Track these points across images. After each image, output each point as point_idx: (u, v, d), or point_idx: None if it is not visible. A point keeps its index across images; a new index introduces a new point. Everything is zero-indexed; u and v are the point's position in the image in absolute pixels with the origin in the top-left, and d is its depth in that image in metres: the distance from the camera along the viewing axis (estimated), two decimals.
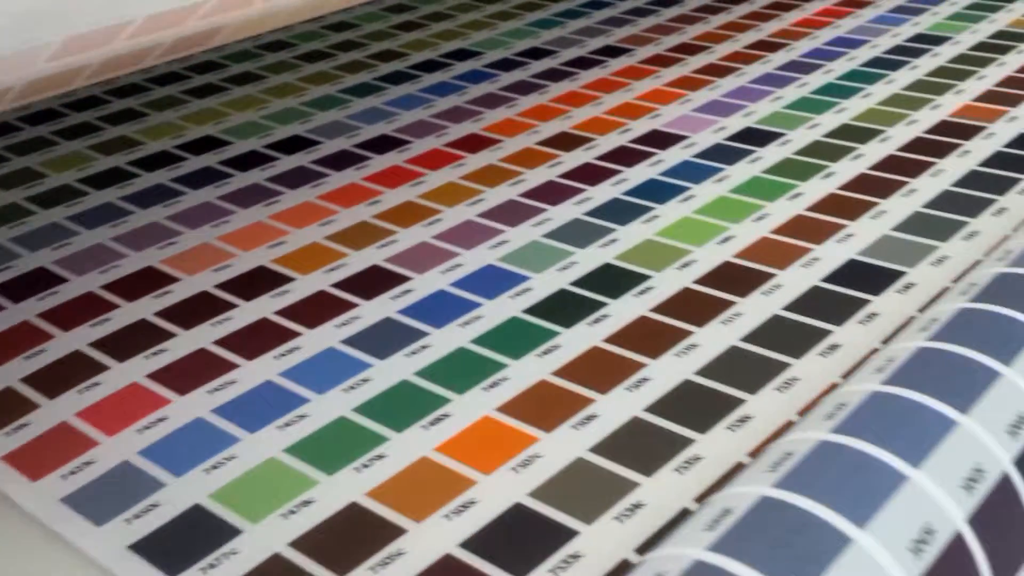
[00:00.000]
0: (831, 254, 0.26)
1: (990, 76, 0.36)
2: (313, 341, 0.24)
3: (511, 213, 0.29)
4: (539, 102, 0.36)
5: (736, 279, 0.25)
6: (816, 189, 0.29)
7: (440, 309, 0.25)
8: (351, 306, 0.25)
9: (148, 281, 0.26)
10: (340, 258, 0.27)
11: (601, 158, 0.32)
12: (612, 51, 0.40)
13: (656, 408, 0.21)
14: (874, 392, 0.17)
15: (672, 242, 0.27)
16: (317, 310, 0.25)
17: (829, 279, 0.25)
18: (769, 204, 0.29)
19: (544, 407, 0.21)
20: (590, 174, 0.31)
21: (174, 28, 0.21)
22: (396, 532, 0.18)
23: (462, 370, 0.22)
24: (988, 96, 0.34)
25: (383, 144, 0.33)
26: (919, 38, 0.39)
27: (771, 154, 0.31)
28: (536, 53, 0.40)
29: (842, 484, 0.14)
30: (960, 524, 0.14)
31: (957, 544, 0.14)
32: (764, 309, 0.24)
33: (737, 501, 0.15)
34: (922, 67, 0.37)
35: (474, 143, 0.33)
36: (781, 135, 0.33)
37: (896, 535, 0.14)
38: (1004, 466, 0.16)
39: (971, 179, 0.29)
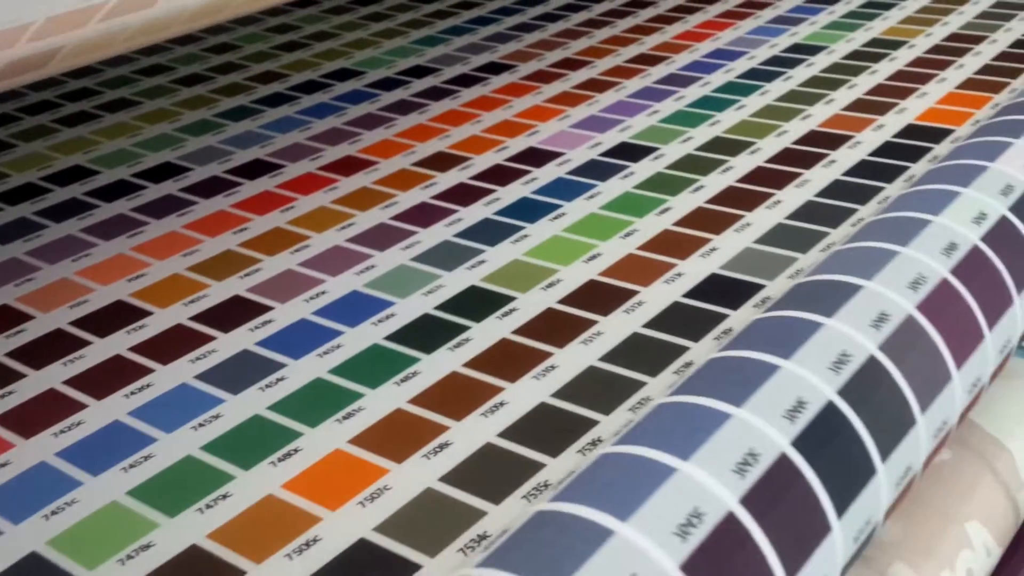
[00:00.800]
0: (694, 269, 0.26)
1: (861, 85, 0.36)
2: (166, 377, 0.23)
3: (381, 237, 0.29)
4: (418, 122, 0.36)
5: (600, 298, 0.25)
6: (685, 203, 0.29)
7: (300, 339, 0.24)
8: (208, 339, 0.24)
9: (0, 321, 0.25)
10: (201, 289, 0.26)
11: (476, 178, 0.32)
12: (495, 68, 0.40)
13: (509, 433, 0.21)
14: (660, 403, 0.17)
15: (540, 262, 0.27)
16: (172, 345, 0.24)
17: (690, 294, 0.25)
18: (638, 220, 0.29)
19: (398, 437, 0.21)
20: (464, 195, 0.31)
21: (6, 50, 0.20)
22: (234, 575, 0.18)
23: (317, 402, 0.22)
24: (857, 105, 0.35)
25: (255, 169, 0.33)
26: (795, 48, 0.40)
27: (644, 169, 0.32)
28: (419, 71, 0.40)
29: (609, 485, 0.15)
30: (733, 504, 0.15)
31: (729, 523, 0.14)
32: (624, 327, 0.24)
33: (518, 520, 0.15)
34: (796, 77, 0.37)
35: (349, 166, 0.33)
36: (655, 149, 0.33)
37: (660, 522, 0.14)
38: (782, 447, 0.16)
39: (834, 189, 0.30)
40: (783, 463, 0.16)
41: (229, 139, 0.35)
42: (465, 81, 0.39)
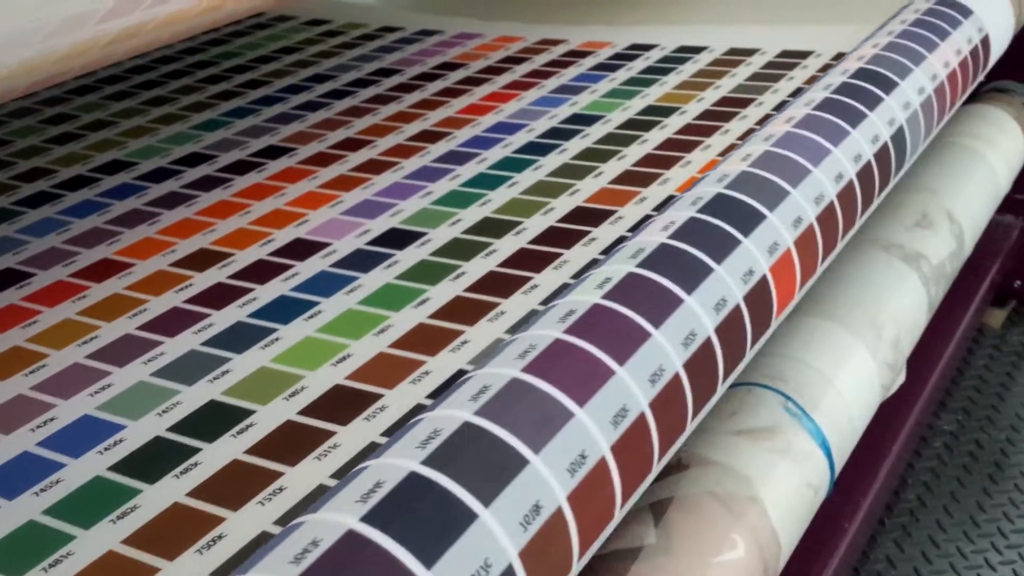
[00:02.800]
0: (443, 365, 0.26)
1: (630, 156, 0.37)
2: None
3: (123, 350, 0.27)
4: (184, 216, 0.35)
5: (342, 405, 0.25)
6: (444, 293, 0.29)
7: (19, 475, 0.23)
8: None
9: None
10: None
11: (235, 276, 0.31)
12: (274, 152, 0.39)
13: (224, 569, 0.20)
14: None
15: (286, 368, 0.26)
16: None
17: (434, 394, 0.25)
18: (394, 315, 0.28)
19: None
20: (219, 297, 0.30)
21: None
22: None
23: (25, 547, 0.21)
24: (624, 177, 0.35)
25: (3, 279, 0.31)
26: (574, 119, 0.41)
27: (408, 257, 0.31)
28: (194, 159, 0.39)
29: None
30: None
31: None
32: (362, 437, 0.24)
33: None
34: (570, 150, 0.38)
35: (103, 270, 0.31)
36: (423, 235, 0.32)
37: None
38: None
39: (590, 269, 0.30)
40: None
41: None
42: (240, 168, 0.38)
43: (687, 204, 0.27)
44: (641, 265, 0.24)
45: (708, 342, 0.23)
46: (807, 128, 0.31)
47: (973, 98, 0.57)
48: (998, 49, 0.45)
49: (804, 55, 0.45)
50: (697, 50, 0.46)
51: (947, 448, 0.58)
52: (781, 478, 0.28)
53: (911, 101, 0.35)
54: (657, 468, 0.22)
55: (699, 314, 0.23)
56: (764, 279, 0.26)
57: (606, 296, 0.23)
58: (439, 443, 0.18)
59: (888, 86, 0.35)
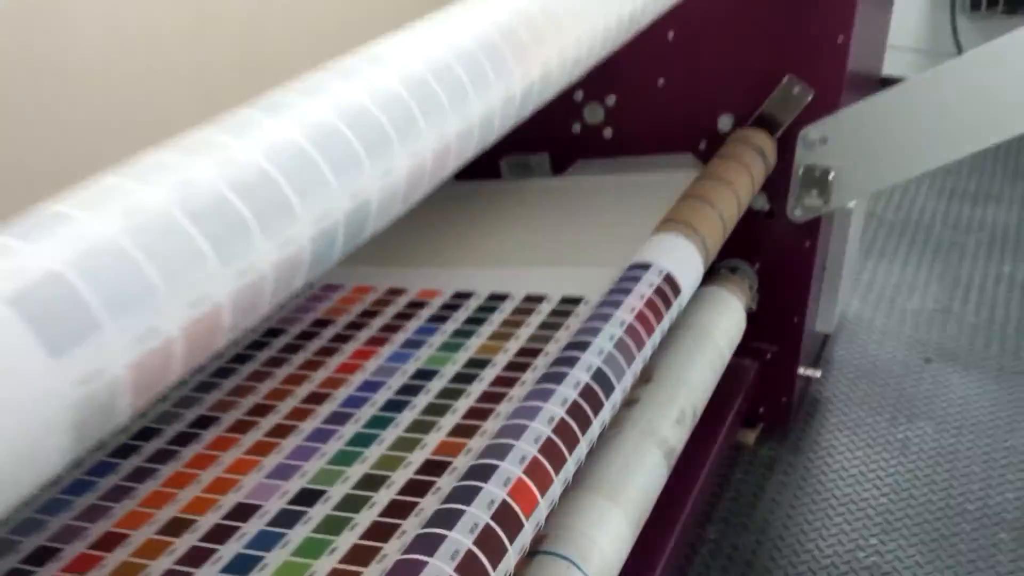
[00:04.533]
0: None
1: (460, 408, 0.54)
2: None
3: None
4: (153, 488, 0.50)
5: None
6: (346, 542, 0.45)
7: None
8: None
9: None
10: None
11: (203, 539, 0.46)
12: (204, 421, 0.55)
13: None
14: None
15: None
16: None
17: None
18: (315, 562, 0.44)
19: None
20: (196, 558, 0.45)
21: None
22: None
23: None
24: (456, 430, 0.52)
25: (41, 556, 0.45)
26: (419, 374, 0.57)
27: (317, 513, 0.47)
28: (147, 433, 0.54)
29: None
30: None
31: None
32: None
33: None
34: (418, 406, 0.55)
35: (111, 541, 0.46)
36: (324, 492, 0.49)
37: None
38: None
39: None
40: None
41: None
42: (183, 439, 0.53)
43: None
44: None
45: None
46: (527, 399, 0.48)
47: (711, 276, 0.77)
48: (689, 282, 0.63)
49: (576, 301, 0.63)
50: (502, 297, 0.64)
51: (711, 555, 0.77)
52: None
53: (604, 348, 0.53)
54: None
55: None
56: (505, 502, 0.43)
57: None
58: None
59: (583, 347, 0.52)
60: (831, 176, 0.81)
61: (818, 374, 0.95)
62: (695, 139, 0.84)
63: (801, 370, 0.91)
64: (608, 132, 0.87)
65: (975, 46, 1.69)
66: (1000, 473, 0.88)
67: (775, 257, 0.85)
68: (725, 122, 0.83)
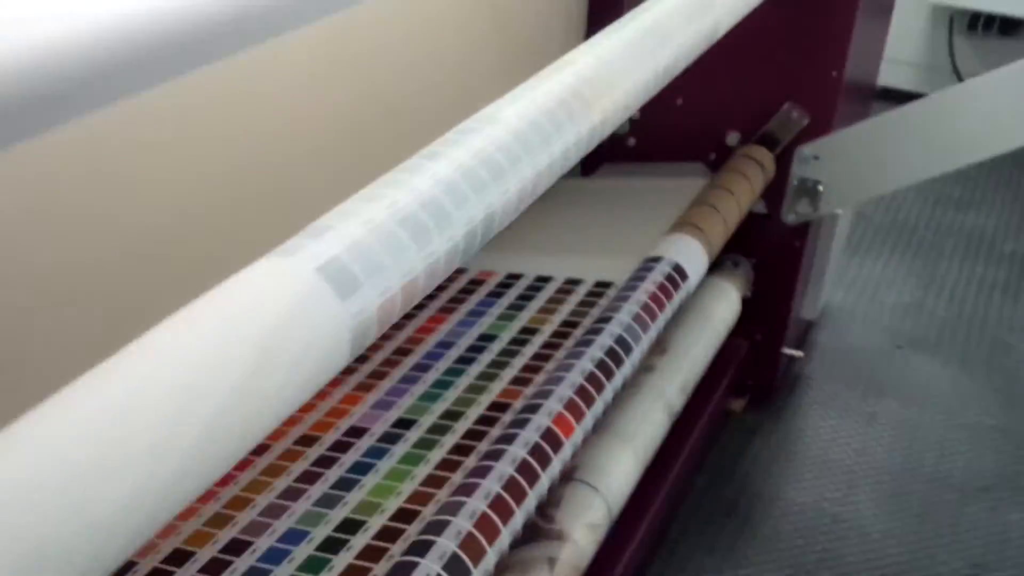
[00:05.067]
0: None
1: (516, 365, 0.70)
2: None
3: None
4: None
5: None
6: (421, 474, 0.61)
7: None
8: None
9: None
10: None
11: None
12: None
13: None
14: None
15: None
16: None
17: None
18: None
19: None
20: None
21: None
22: None
23: None
24: (515, 380, 0.68)
25: None
26: (481, 337, 0.73)
27: (409, 437, 0.63)
28: None
29: None
30: None
31: None
32: None
33: None
34: (483, 362, 0.70)
35: None
36: (414, 421, 0.64)
37: None
38: None
39: None
40: None
41: None
42: None
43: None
44: None
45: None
46: (567, 357, 0.64)
47: (715, 268, 0.93)
48: (696, 273, 0.79)
49: (607, 284, 0.79)
50: (547, 279, 0.80)
51: (699, 498, 0.93)
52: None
53: (624, 320, 0.69)
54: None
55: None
56: (549, 429, 0.59)
57: None
58: None
59: (608, 320, 0.68)
60: (821, 188, 0.96)
61: (801, 355, 1.11)
62: (706, 151, 1.00)
63: (786, 350, 1.06)
64: (631, 141, 1.03)
65: (970, 64, 1.84)
66: (952, 445, 1.04)
67: (770, 254, 1.01)
68: (732, 138, 0.98)
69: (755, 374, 1.06)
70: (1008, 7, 1.76)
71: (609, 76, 0.58)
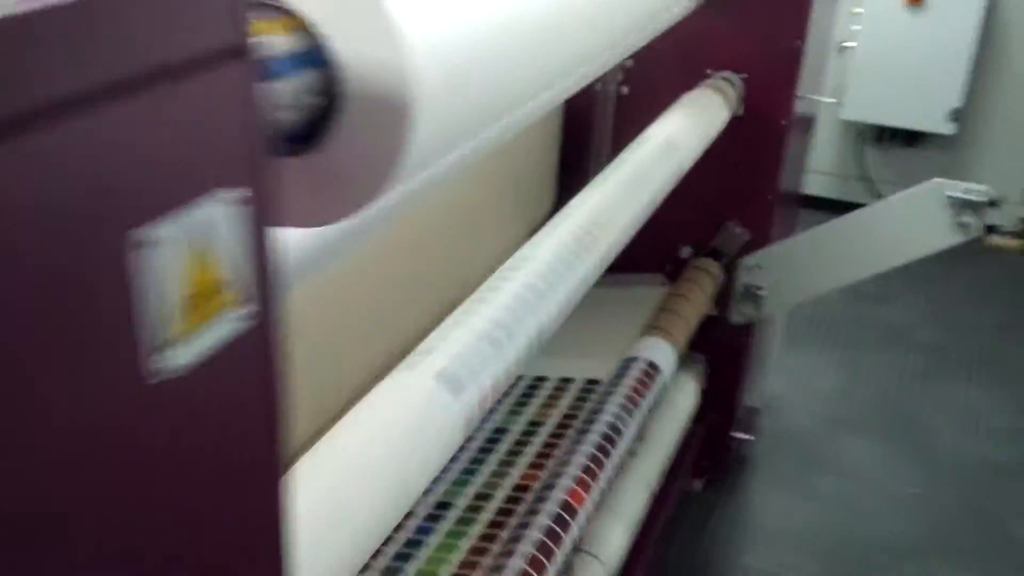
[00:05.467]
0: None
1: (528, 454, 0.83)
2: None
3: None
4: None
5: None
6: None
7: None
8: None
9: None
10: None
11: None
12: None
13: None
14: None
15: None
16: None
17: None
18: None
19: None
20: None
21: None
22: None
23: None
24: (531, 464, 0.81)
25: None
26: (496, 430, 0.86)
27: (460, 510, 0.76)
28: None
29: None
30: None
31: None
32: None
33: None
34: (500, 451, 0.83)
35: None
36: (451, 503, 0.77)
37: None
38: None
39: None
40: None
41: None
42: None
43: None
44: None
45: None
46: (573, 443, 0.78)
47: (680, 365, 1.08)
48: (667, 366, 0.94)
49: (595, 382, 0.93)
50: (543, 379, 0.94)
51: (673, 560, 1.06)
52: None
53: (613, 411, 0.83)
54: None
55: None
56: (566, 502, 0.72)
57: None
58: None
59: (601, 411, 0.83)
60: (762, 293, 1.12)
61: (750, 438, 1.26)
62: (663, 263, 1.16)
63: (736, 434, 1.21)
64: None
65: (880, 171, 2.05)
66: (883, 512, 1.19)
67: (721, 350, 1.16)
68: (685, 251, 1.15)
69: (711, 456, 1.21)
70: (909, 122, 1.98)
71: (608, 215, 0.73)
